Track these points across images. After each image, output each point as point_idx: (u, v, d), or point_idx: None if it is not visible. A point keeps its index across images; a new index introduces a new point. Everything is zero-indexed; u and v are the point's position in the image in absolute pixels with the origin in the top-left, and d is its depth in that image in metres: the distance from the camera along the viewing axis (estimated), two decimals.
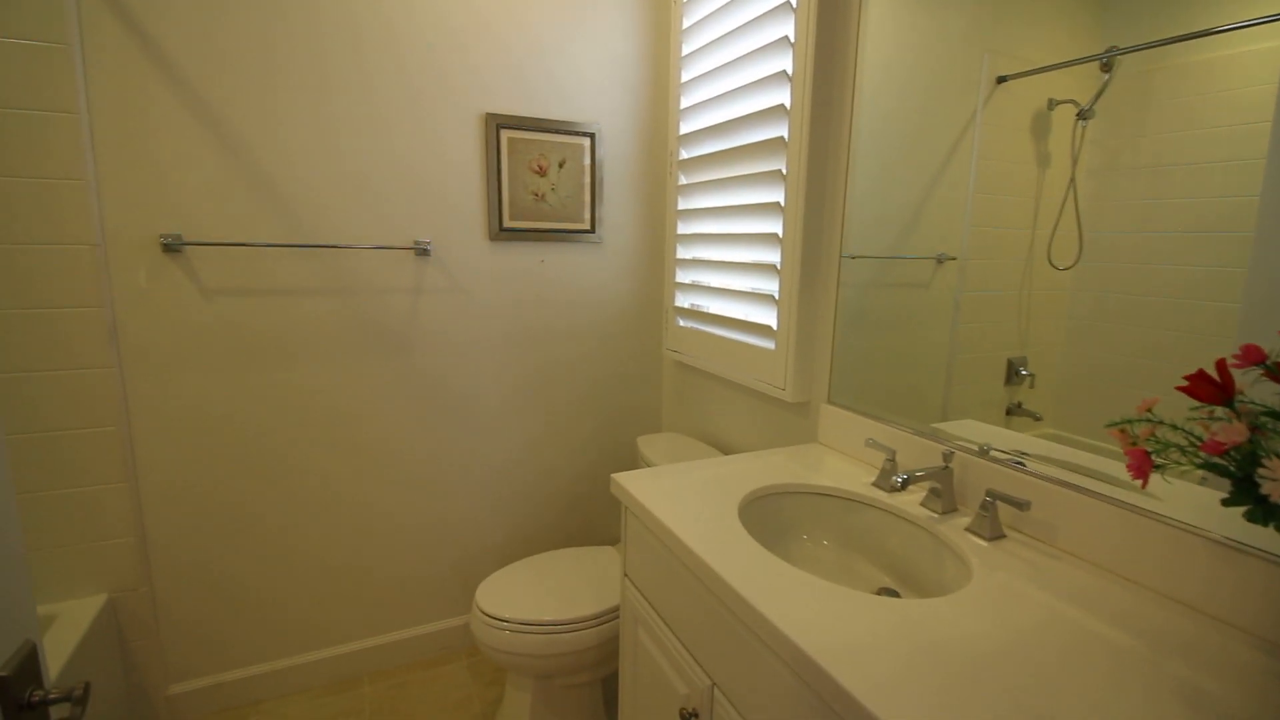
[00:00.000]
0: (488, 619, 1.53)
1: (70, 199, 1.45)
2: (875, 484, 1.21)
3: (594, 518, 2.22)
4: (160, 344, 1.60)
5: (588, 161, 1.97)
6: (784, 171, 1.47)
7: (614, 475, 1.22)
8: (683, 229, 1.97)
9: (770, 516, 1.18)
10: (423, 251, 1.82)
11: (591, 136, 1.96)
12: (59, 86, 1.41)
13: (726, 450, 1.86)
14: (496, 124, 1.84)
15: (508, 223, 1.90)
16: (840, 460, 1.35)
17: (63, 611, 1.54)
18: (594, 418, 2.15)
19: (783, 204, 1.48)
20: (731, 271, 1.72)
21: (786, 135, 1.46)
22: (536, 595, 1.59)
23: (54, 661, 1.39)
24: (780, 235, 1.50)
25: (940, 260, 1.18)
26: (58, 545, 1.55)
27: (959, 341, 1.16)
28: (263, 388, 1.71)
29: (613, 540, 2.27)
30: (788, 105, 1.45)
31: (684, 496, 1.14)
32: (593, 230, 2.02)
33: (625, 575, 1.24)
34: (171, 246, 1.56)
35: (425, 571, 2.00)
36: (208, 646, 1.77)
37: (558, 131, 1.92)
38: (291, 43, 1.61)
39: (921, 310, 1.23)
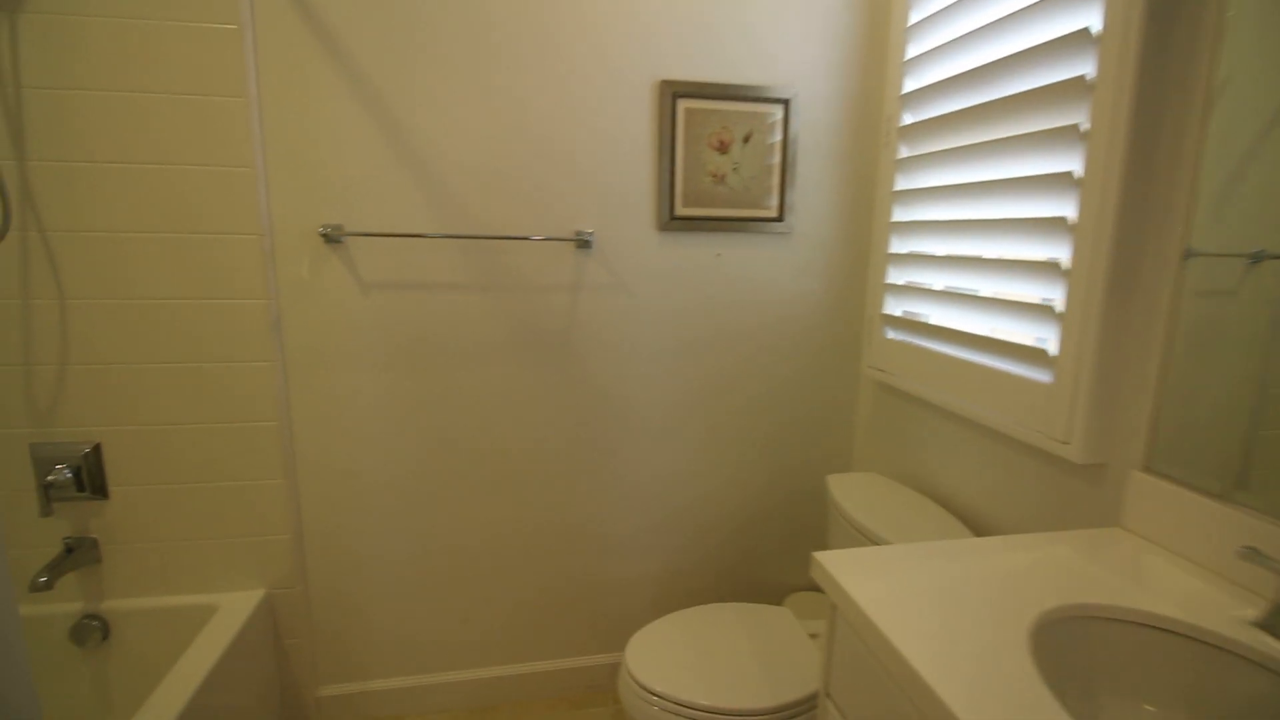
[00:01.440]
0: (639, 689, 1.26)
1: (239, 188, 1.40)
2: (1262, 624, 0.74)
3: (764, 558, 1.88)
4: (319, 338, 1.53)
5: (778, 135, 1.62)
6: (1083, 128, 1.01)
7: (815, 555, 0.88)
8: (900, 215, 1.54)
9: (1078, 658, 0.76)
10: (583, 244, 1.59)
11: (785, 104, 1.61)
12: (230, 71, 1.35)
13: (949, 505, 1.42)
14: (673, 93, 1.55)
15: (680, 210, 1.61)
16: (1172, 565, 0.88)
17: (224, 603, 1.54)
18: (769, 442, 1.80)
19: (1079, 175, 1.02)
20: (976, 271, 1.28)
21: (1092, 72, 1.00)
22: (696, 666, 1.29)
23: (212, 651, 1.36)
24: (1072, 221, 1.04)
25: None
26: (221, 537, 1.54)
27: None
28: (417, 387, 1.59)
29: (786, 591, 1.91)
30: (1094, 29, 0.99)
31: (928, 604, 0.76)
32: (780, 218, 1.66)
33: (826, 695, 0.90)
34: (331, 237, 1.47)
35: (573, 599, 1.79)
36: (357, 652, 1.71)
37: (745, 99, 1.59)
38: (446, 13, 1.44)
39: None
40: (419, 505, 1.66)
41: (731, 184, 1.62)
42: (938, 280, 1.43)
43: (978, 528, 1.32)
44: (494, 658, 1.78)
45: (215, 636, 1.42)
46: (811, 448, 1.83)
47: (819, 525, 1.89)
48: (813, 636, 1.44)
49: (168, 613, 1.53)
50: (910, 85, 1.50)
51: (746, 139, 1.60)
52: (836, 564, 0.85)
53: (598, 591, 1.80)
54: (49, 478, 1.41)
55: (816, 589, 1.91)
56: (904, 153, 1.52)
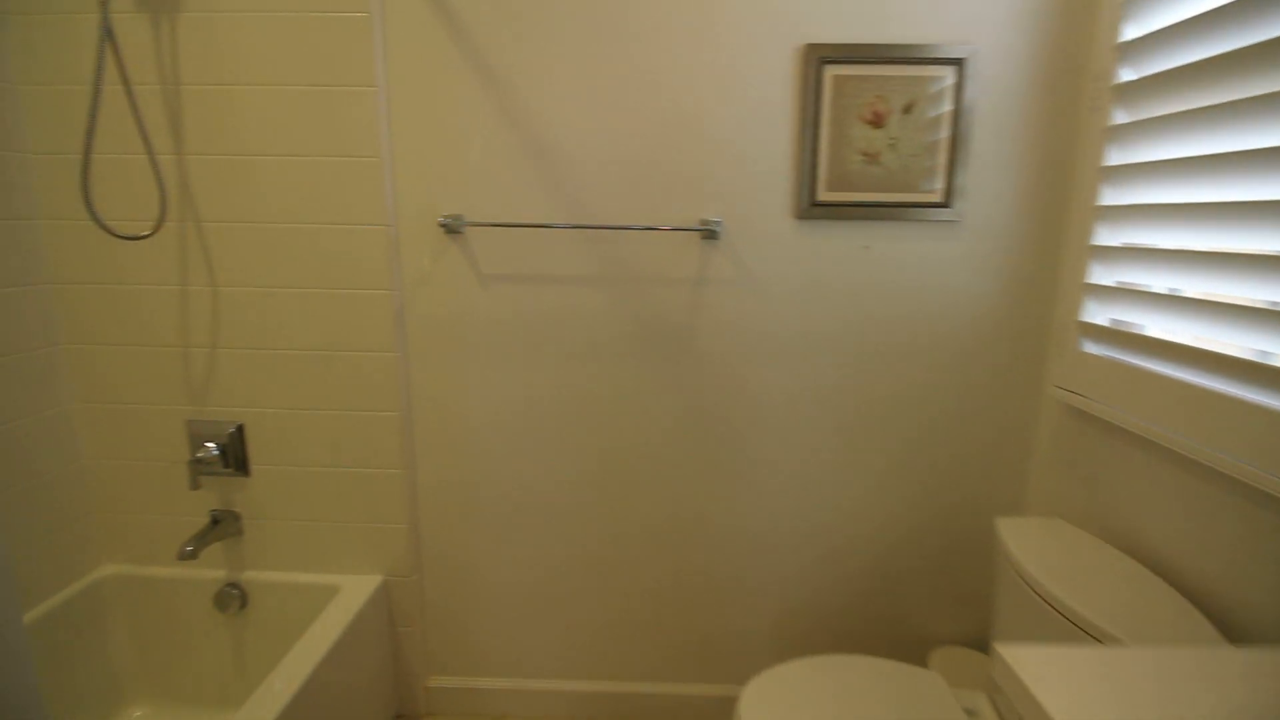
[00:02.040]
0: None
1: (367, 178, 1.40)
2: None
3: (906, 603, 1.62)
4: (438, 330, 1.51)
5: (947, 104, 1.35)
6: None
7: (999, 650, 0.66)
8: (1111, 198, 1.23)
9: None
10: (710, 234, 1.43)
11: (958, 65, 1.34)
12: (360, 60, 1.35)
13: (1165, 573, 1.10)
14: (819, 58, 1.34)
15: (823, 195, 1.40)
16: None
17: (345, 585, 1.57)
18: (921, 470, 1.54)
19: None
20: (1227, 271, 0.96)
21: None
22: None
23: (333, 629, 1.40)
24: None
25: None
26: (344, 521, 1.58)
27: None
28: (533, 383, 1.53)
29: (931, 643, 1.64)
30: None
31: None
32: (945, 203, 1.40)
33: None
34: (452, 228, 1.44)
35: (684, 619, 1.66)
36: (466, 647, 1.70)
37: (906, 61, 1.34)
38: None
39: None
40: (530, 504, 1.60)
41: (886, 163, 1.38)
42: (1162, 281, 1.11)
43: (1214, 613, 1.00)
44: (598, 671, 1.69)
45: (336, 615, 1.46)
46: (974, 480, 1.54)
47: (978, 573, 1.59)
48: (970, 716, 1.18)
49: (296, 588, 1.59)
50: (1132, 31, 1.18)
51: (907, 109, 1.36)
52: (1031, 667, 0.62)
53: (711, 615, 1.65)
54: (198, 454, 1.50)
55: (968, 644, 1.62)
56: (1120, 118, 1.20)
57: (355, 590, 1.56)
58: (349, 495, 1.56)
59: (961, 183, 1.38)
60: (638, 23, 1.35)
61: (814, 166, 1.39)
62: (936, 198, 1.39)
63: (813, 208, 1.41)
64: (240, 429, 1.53)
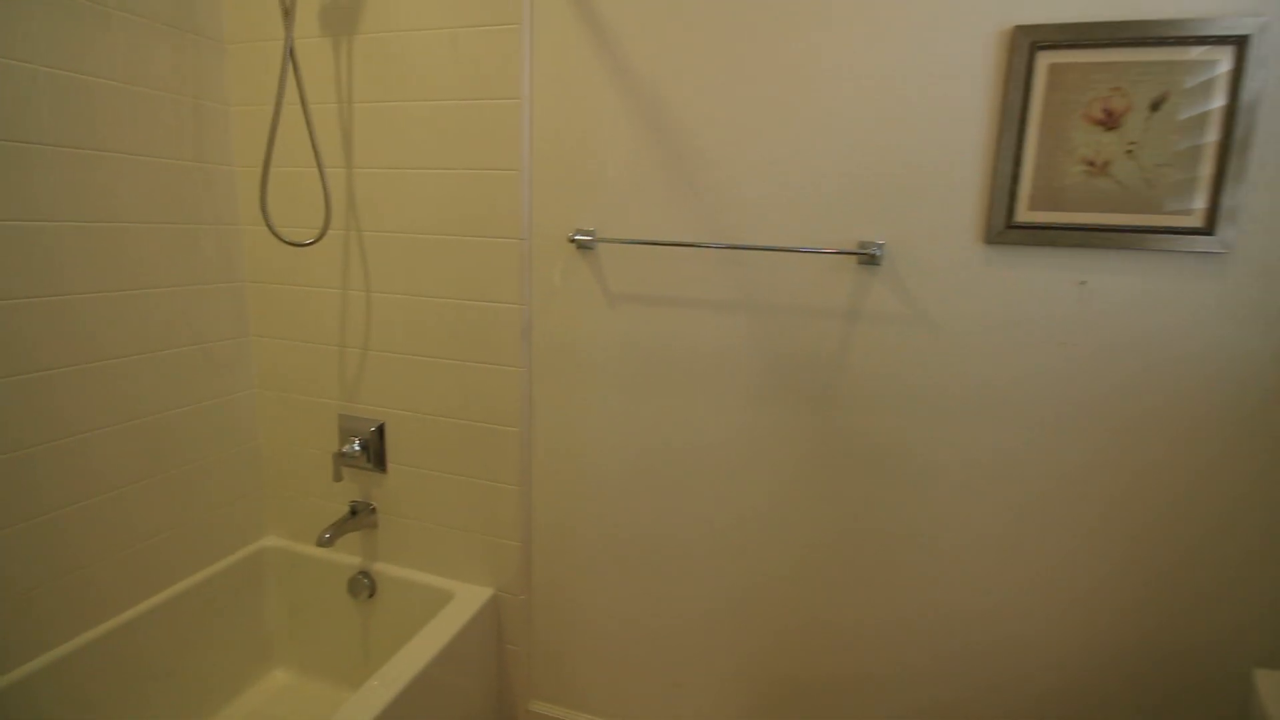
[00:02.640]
0: None
1: (506, 192, 1.39)
2: None
3: None
4: (562, 349, 1.45)
5: (1219, 97, 1.01)
6: None
7: None
8: None
9: None
10: (869, 258, 1.21)
11: (1238, 44, 0.99)
12: (508, 71, 1.34)
13: None
14: (1030, 43, 1.07)
15: (1023, 215, 1.12)
16: None
17: (459, 592, 1.58)
18: (1136, 576, 1.17)
19: None
20: None
21: None
22: None
23: (444, 633, 1.42)
24: None
25: None
26: (465, 528, 1.58)
27: None
28: (654, 415, 1.42)
29: None
30: None
31: None
32: (1207, 230, 1.04)
33: None
34: (584, 244, 1.37)
35: (804, 707, 1.43)
36: (569, 679, 1.63)
37: (1158, 42, 1.02)
38: None
39: None
40: (644, 543, 1.49)
41: (1120, 175, 1.06)
42: None
43: None
44: (704, 713, 1.53)
45: (448, 620, 1.47)
46: (1218, 604, 1.14)
47: None
48: None
49: (416, 587, 1.63)
50: None
51: (1156, 105, 1.03)
52: None
53: (834, 702, 1.41)
54: (343, 448, 1.60)
55: None
56: None
57: (468, 599, 1.56)
58: (470, 504, 1.57)
59: (1234, 203, 1.02)
60: (792, 14, 1.19)
61: (1014, 179, 1.11)
62: (1193, 221, 1.04)
63: (1008, 230, 1.13)
64: (381, 428, 1.60)
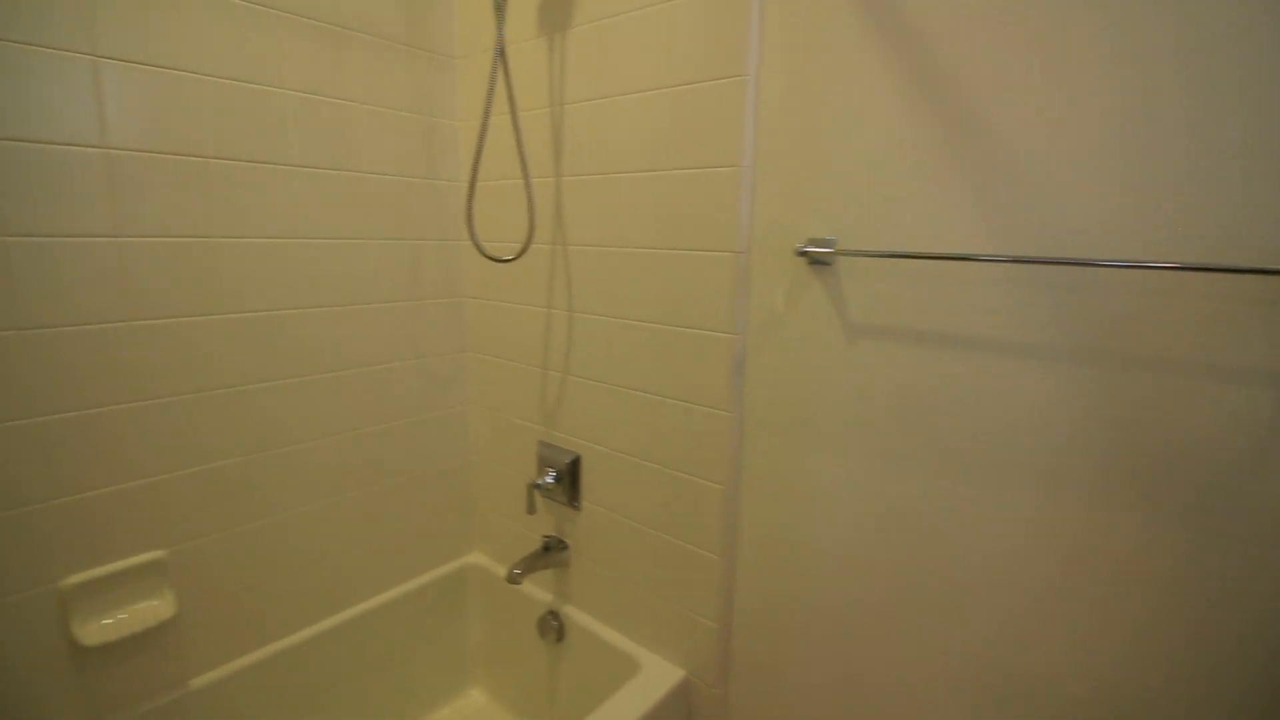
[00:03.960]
0: None
1: (721, 193, 1.12)
2: None
3: None
4: (784, 391, 1.13)
5: None
6: None
7: None
8: None
9: None
10: None
11: None
12: (731, 45, 1.06)
13: None
14: None
15: None
16: None
17: (646, 664, 1.36)
18: None
19: None
20: None
21: None
22: None
23: (629, 713, 1.22)
24: None
25: None
26: (657, 591, 1.35)
27: None
28: (901, 493, 1.02)
29: None
30: None
31: None
32: None
33: None
34: (818, 257, 1.04)
35: None
36: None
37: None
38: None
39: None
40: (877, 645, 1.09)
41: None
42: None
43: None
44: None
45: (632, 701, 1.26)
46: None
47: None
48: None
49: (602, 645, 1.45)
50: None
51: None
52: None
53: None
54: (539, 479, 1.49)
55: None
56: None
57: (656, 677, 1.33)
58: (664, 566, 1.33)
59: None
60: None
61: None
62: None
63: None
64: (576, 461, 1.45)
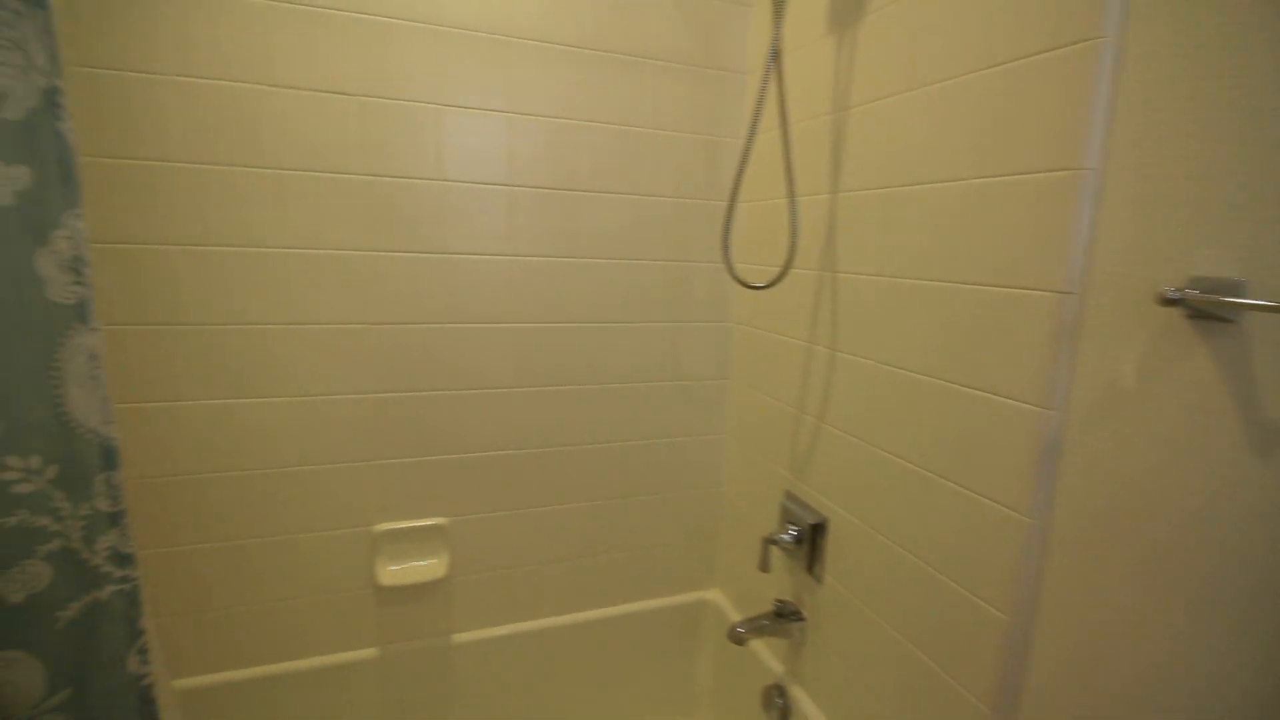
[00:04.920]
0: None
1: (1045, 208, 0.79)
2: None
3: None
4: (1127, 503, 0.75)
5: None
6: None
7: None
8: None
9: None
10: None
11: None
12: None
13: None
14: None
15: None
16: None
17: None
18: None
19: None
20: None
21: None
22: None
23: None
24: None
25: None
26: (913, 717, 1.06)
27: None
28: None
29: None
30: None
31: None
32: None
33: None
34: (1210, 309, 0.65)
35: None
36: None
37: None
38: None
39: None
40: None
41: None
42: None
43: None
44: None
45: None
46: None
47: None
48: None
49: None
50: None
51: None
52: None
53: None
54: (778, 534, 1.30)
55: None
56: None
57: None
58: (914, 690, 1.03)
59: None
60: None
61: None
62: None
63: None
64: (822, 525, 1.23)
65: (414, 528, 1.38)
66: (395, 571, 1.36)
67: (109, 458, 0.69)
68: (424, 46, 1.21)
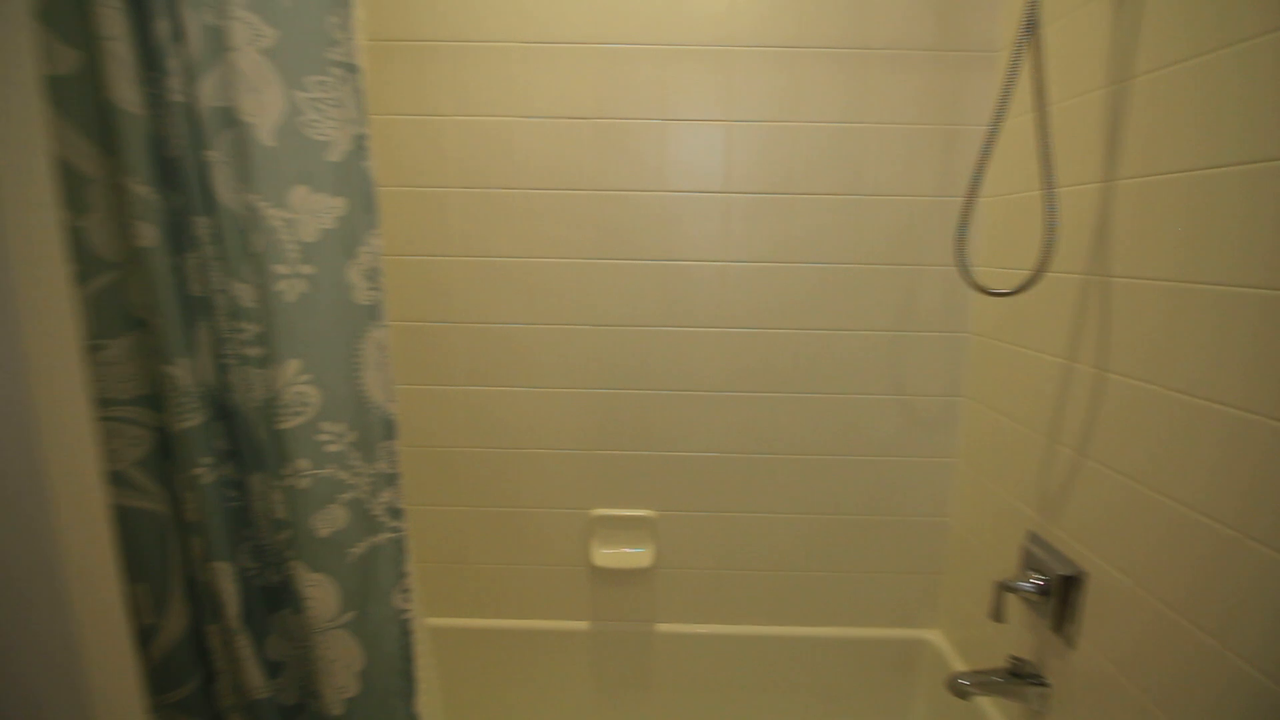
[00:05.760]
0: None
1: None
2: None
3: None
4: None
5: None
6: None
7: None
8: None
9: None
10: None
11: None
12: None
13: None
14: None
15: None
16: None
17: None
18: None
19: None
20: None
21: None
22: None
23: None
24: None
25: None
26: None
27: None
28: None
29: None
30: None
31: None
32: None
33: None
34: None
35: None
36: None
37: None
38: None
39: None
40: None
41: None
42: None
43: None
44: None
45: None
46: None
47: None
48: None
49: None
50: None
51: None
52: None
53: None
54: (1016, 580, 1.12)
55: None
56: None
57: None
58: None
59: None
60: None
61: None
62: None
63: None
64: (1078, 579, 1.03)
65: (625, 516, 1.47)
66: (607, 555, 1.46)
67: (389, 429, 0.86)
68: (651, 67, 1.28)
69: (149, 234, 0.76)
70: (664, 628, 1.51)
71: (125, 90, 0.74)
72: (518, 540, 1.49)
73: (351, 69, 0.79)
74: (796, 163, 1.31)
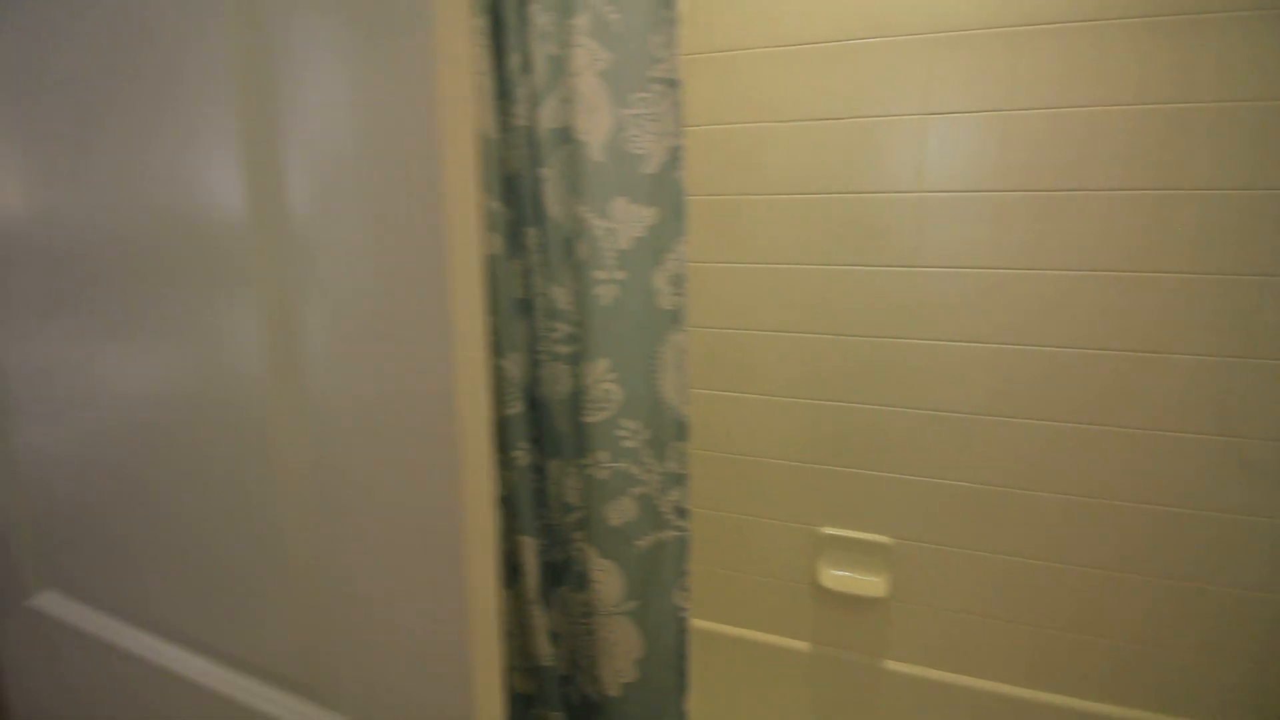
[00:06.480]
0: None
1: None
2: None
3: None
4: None
5: None
6: None
7: None
8: None
9: None
10: None
11: None
12: None
13: None
14: None
15: None
16: None
17: None
18: None
19: None
20: None
21: None
22: None
23: None
24: None
25: None
26: None
27: None
28: None
29: None
30: None
31: None
32: None
33: None
34: None
35: None
36: None
37: None
38: None
39: None
40: None
41: None
42: None
43: None
44: None
45: None
46: None
47: None
48: None
49: None
50: None
51: None
52: None
53: None
54: None
55: None
56: None
57: None
58: None
59: None
60: None
61: None
62: None
63: None
64: None
65: (857, 539, 1.39)
66: (836, 577, 1.40)
67: (681, 431, 0.89)
68: (911, 58, 1.21)
69: (497, 243, 0.86)
70: (895, 666, 1.40)
71: (486, 118, 0.84)
72: (743, 548, 1.48)
73: (672, 84, 0.84)
74: (1093, 154, 1.15)
